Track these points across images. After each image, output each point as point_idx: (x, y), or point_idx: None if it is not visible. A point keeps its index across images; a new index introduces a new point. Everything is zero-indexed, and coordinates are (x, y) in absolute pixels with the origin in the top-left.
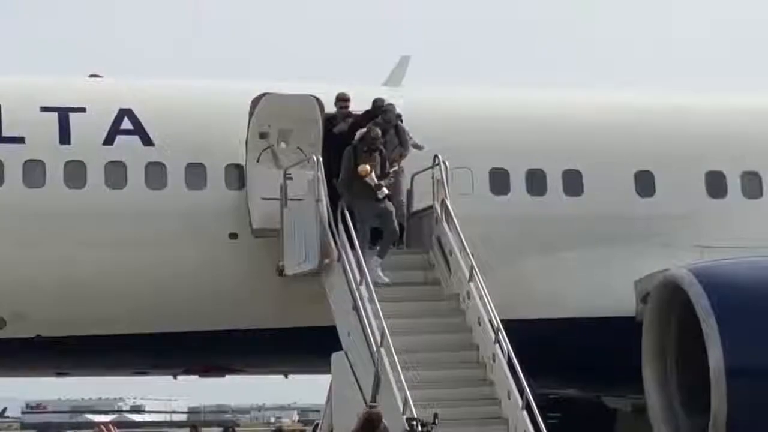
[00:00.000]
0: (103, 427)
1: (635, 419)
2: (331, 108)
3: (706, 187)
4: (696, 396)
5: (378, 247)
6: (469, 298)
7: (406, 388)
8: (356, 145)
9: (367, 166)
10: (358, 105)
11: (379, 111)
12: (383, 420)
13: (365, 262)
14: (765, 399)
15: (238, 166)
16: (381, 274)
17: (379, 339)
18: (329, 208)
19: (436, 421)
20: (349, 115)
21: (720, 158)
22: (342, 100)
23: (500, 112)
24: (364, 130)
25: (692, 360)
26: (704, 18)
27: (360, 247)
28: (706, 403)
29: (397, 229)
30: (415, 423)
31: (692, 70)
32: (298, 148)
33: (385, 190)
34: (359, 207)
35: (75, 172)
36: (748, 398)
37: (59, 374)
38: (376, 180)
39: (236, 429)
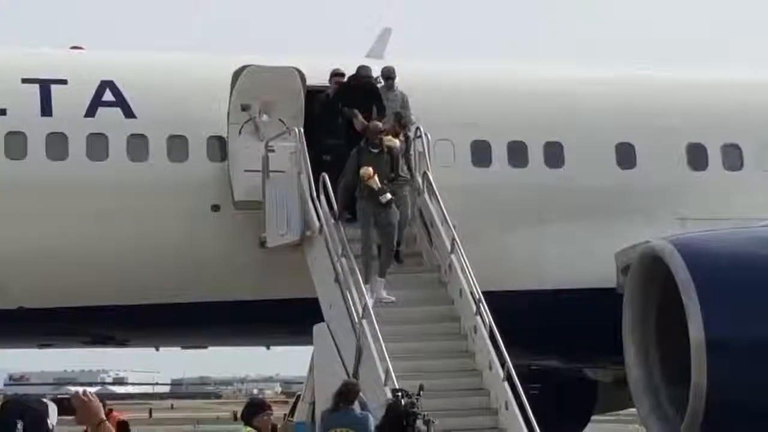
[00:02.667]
0: (83, 396)
1: (616, 390)
2: (312, 81)
3: (686, 159)
4: (676, 367)
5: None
6: (450, 270)
7: (388, 359)
8: (361, 146)
9: (370, 169)
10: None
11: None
12: (360, 392)
13: (369, 278)
14: (745, 370)
15: (220, 138)
16: (384, 293)
17: (360, 311)
18: (311, 181)
19: (421, 393)
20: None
21: (701, 130)
22: (337, 75)
23: (481, 84)
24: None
25: (673, 331)
26: None
27: (364, 254)
28: (686, 375)
29: (395, 245)
30: (400, 394)
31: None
32: (279, 120)
33: (389, 195)
34: (361, 211)
35: (56, 144)
36: (728, 370)
37: (42, 346)
38: (379, 183)
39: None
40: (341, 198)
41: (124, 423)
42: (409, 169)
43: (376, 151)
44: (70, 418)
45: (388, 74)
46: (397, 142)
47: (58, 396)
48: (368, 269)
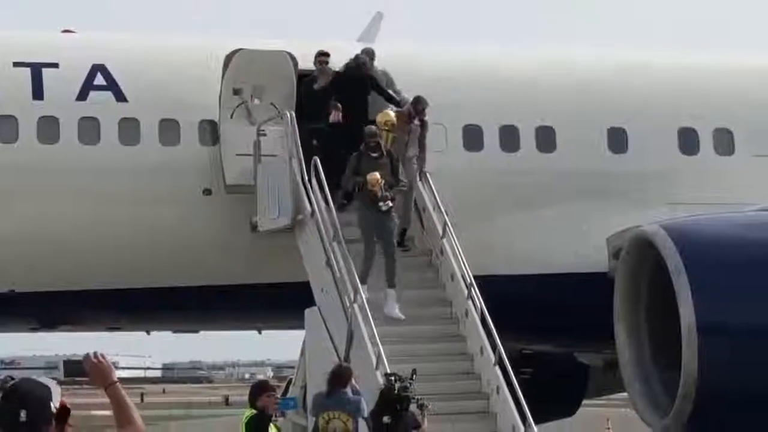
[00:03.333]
0: (93, 358)
1: (607, 374)
2: (304, 64)
3: (678, 143)
4: (668, 352)
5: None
6: (442, 254)
7: (379, 343)
8: (361, 151)
9: (377, 174)
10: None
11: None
12: (353, 376)
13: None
14: (735, 355)
15: (212, 122)
16: (397, 309)
17: (352, 295)
18: (303, 165)
19: (414, 377)
20: (327, 71)
21: (692, 115)
22: (322, 55)
23: (473, 69)
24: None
25: (664, 316)
26: None
27: (365, 261)
28: (677, 359)
29: (395, 244)
30: (393, 378)
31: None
32: (271, 104)
33: (390, 203)
34: (359, 216)
35: (48, 128)
36: (718, 354)
37: (33, 330)
38: (382, 190)
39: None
40: (339, 199)
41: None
42: (422, 148)
43: (375, 155)
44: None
45: (370, 54)
46: (392, 116)
47: (71, 359)
48: (365, 273)
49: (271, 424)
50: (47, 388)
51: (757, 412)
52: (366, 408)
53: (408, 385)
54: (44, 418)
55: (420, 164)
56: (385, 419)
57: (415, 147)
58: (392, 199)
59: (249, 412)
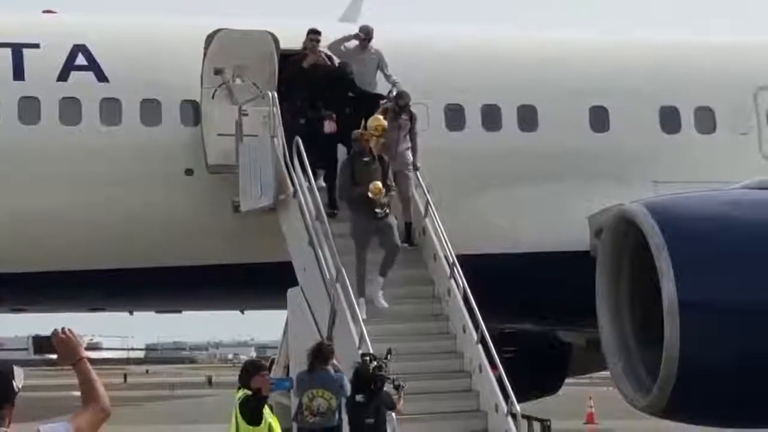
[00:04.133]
0: (61, 334)
1: (589, 353)
2: (286, 44)
3: (660, 122)
4: (649, 330)
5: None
6: (424, 233)
7: (362, 322)
8: (353, 156)
9: (379, 184)
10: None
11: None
12: (334, 354)
13: (366, 281)
14: (717, 332)
15: (194, 102)
16: (381, 298)
17: (334, 274)
18: (284, 145)
19: (389, 357)
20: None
21: (674, 93)
22: (313, 32)
23: (455, 48)
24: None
25: (646, 294)
26: None
27: (358, 271)
28: (659, 337)
29: (399, 242)
30: (368, 358)
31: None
32: (253, 84)
33: (387, 210)
34: (355, 221)
35: (29, 108)
36: (700, 331)
37: (15, 310)
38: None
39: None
40: (327, 208)
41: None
42: (414, 144)
43: (367, 159)
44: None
45: (367, 33)
46: (383, 120)
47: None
48: (360, 283)
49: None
50: (9, 367)
51: (738, 389)
52: (349, 386)
53: (383, 364)
54: (6, 395)
55: (413, 157)
56: (359, 398)
57: (406, 141)
58: (388, 205)
59: (242, 392)
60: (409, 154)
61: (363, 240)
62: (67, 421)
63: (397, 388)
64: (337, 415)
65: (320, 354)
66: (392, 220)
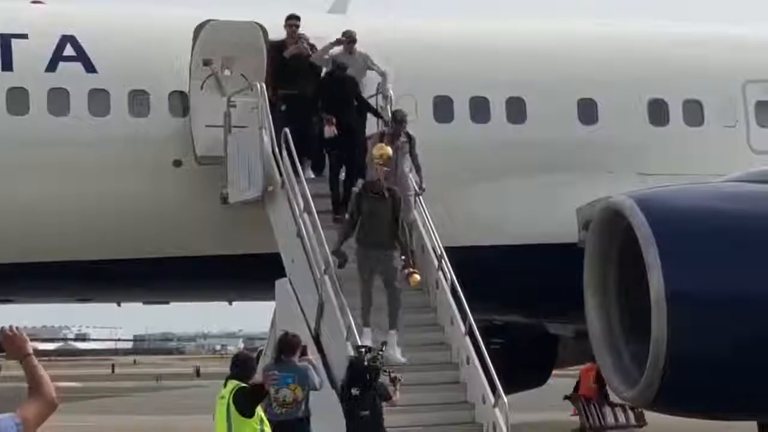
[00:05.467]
0: (8, 331)
1: (577, 345)
2: (275, 35)
3: (648, 114)
4: (637, 322)
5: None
6: (412, 225)
7: (349, 314)
8: (361, 191)
9: (417, 276)
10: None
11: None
12: (301, 345)
13: (367, 321)
14: (704, 325)
15: (182, 94)
16: (399, 354)
17: (323, 266)
18: (273, 136)
19: (384, 348)
20: (299, 37)
21: (662, 86)
22: (292, 18)
23: (444, 40)
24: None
25: (634, 287)
26: None
27: (363, 303)
28: (647, 329)
29: (399, 288)
30: (363, 350)
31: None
32: (242, 75)
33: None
34: (360, 259)
35: (17, 99)
36: (687, 324)
37: (2, 301)
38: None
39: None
40: (340, 237)
41: None
42: (416, 166)
43: (377, 194)
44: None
45: (352, 37)
46: (388, 150)
47: None
48: (366, 313)
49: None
50: None
51: (726, 382)
52: (316, 378)
53: (377, 356)
54: None
55: (419, 179)
56: (354, 391)
57: (406, 164)
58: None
59: (234, 384)
60: (410, 177)
61: (369, 279)
62: (15, 413)
63: (393, 381)
64: (303, 406)
65: (286, 345)
66: (396, 263)
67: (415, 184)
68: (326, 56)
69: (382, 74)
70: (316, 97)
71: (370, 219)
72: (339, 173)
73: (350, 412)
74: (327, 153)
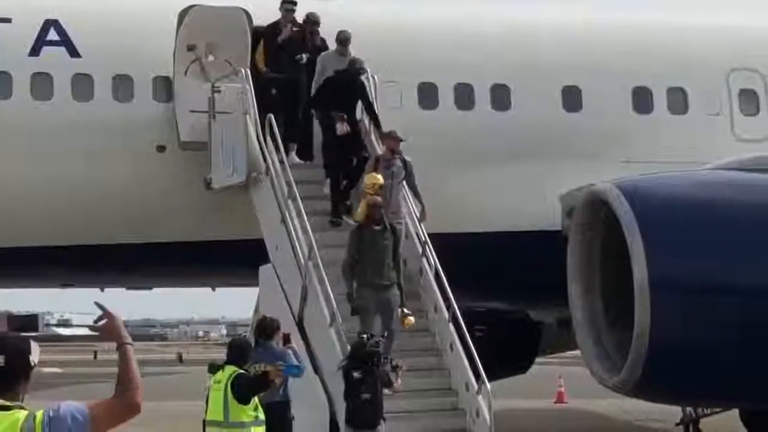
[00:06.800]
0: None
1: (560, 332)
2: (260, 21)
3: (632, 102)
4: (620, 310)
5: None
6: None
7: (333, 300)
8: (362, 224)
9: (411, 318)
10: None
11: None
12: (280, 329)
13: None
14: (687, 312)
15: (166, 79)
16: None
17: (306, 252)
18: (257, 121)
19: (385, 335)
20: (294, 21)
21: (646, 74)
22: (287, 2)
23: (429, 26)
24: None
25: (617, 274)
26: None
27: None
28: (630, 317)
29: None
30: (365, 336)
31: None
32: (226, 60)
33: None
34: (359, 294)
35: (0, 83)
36: (671, 311)
37: None
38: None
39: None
40: (348, 279)
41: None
42: (415, 194)
43: (378, 228)
44: None
45: (346, 39)
46: (380, 179)
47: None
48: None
49: None
50: (28, 342)
51: (707, 369)
52: (294, 362)
53: (379, 341)
54: (23, 368)
55: (420, 206)
56: (356, 375)
57: (400, 191)
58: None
59: (231, 370)
60: (404, 204)
61: (367, 311)
62: (86, 406)
63: (395, 368)
64: (281, 390)
65: (263, 329)
66: (395, 300)
67: (415, 211)
68: (320, 59)
69: (372, 77)
70: (322, 94)
71: (372, 255)
72: (340, 174)
73: (352, 396)
74: (328, 154)
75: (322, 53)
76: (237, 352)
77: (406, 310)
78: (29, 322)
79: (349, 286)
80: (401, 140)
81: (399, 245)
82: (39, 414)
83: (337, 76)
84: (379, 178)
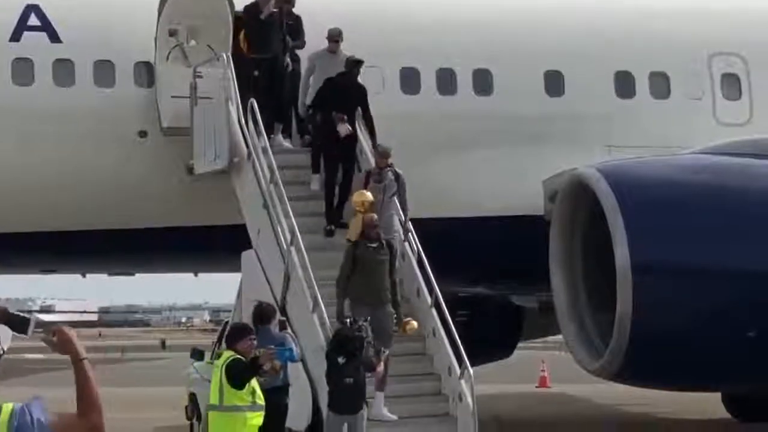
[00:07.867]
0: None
1: (542, 317)
2: (241, 6)
3: (614, 87)
4: (603, 294)
5: None
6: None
7: (315, 286)
8: (358, 241)
9: (414, 323)
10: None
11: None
12: (277, 313)
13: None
14: (669, 296)
15: (148, 64)
16: (386, 411)
17: (289, 237)
18: (239, 107)
19: (368, 320)
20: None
21: (628, 59)
22: None
23: (411, 11)
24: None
25: (599, 258)
26: None
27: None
28: (612, 301)
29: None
30: (348, 321)
31: None
32: (207, 45)
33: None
34: (354, 310)
35: None
36: (652, 295)
37: None
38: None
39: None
40: (339, 296)
41: None
42: (404, 209)
43: (374, 245)
44: None
45: (337, 37)
46: (369, 196)
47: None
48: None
49: None
50: None
51: (689, 353)
52: (294, 347)
53: (362, 326)
54: None
55: (405, 219)
56: (340, 359)
57: (392, 205)
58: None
59: (228, 354)
60: (396, 220)
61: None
62: (50, 423)
63: (377, 353)
64: (281, 374)
65: (262, 314)
66: (390, 322)
67: (399, 222)
68: (310, 58)
69: (370, 117)
70: (323, 95)
71: (367, 273)
72: (335, 176)
73: (335, 380)
74: (325, 155)
75: (312, 52)
76: (233, 336)
77: (405, 319)
78: (19, 323)
79: (340, 304)
80: (388, 155)
81: (395, 262)
82: (5, 413)
83: (339, 79)
84: (368, 195)
